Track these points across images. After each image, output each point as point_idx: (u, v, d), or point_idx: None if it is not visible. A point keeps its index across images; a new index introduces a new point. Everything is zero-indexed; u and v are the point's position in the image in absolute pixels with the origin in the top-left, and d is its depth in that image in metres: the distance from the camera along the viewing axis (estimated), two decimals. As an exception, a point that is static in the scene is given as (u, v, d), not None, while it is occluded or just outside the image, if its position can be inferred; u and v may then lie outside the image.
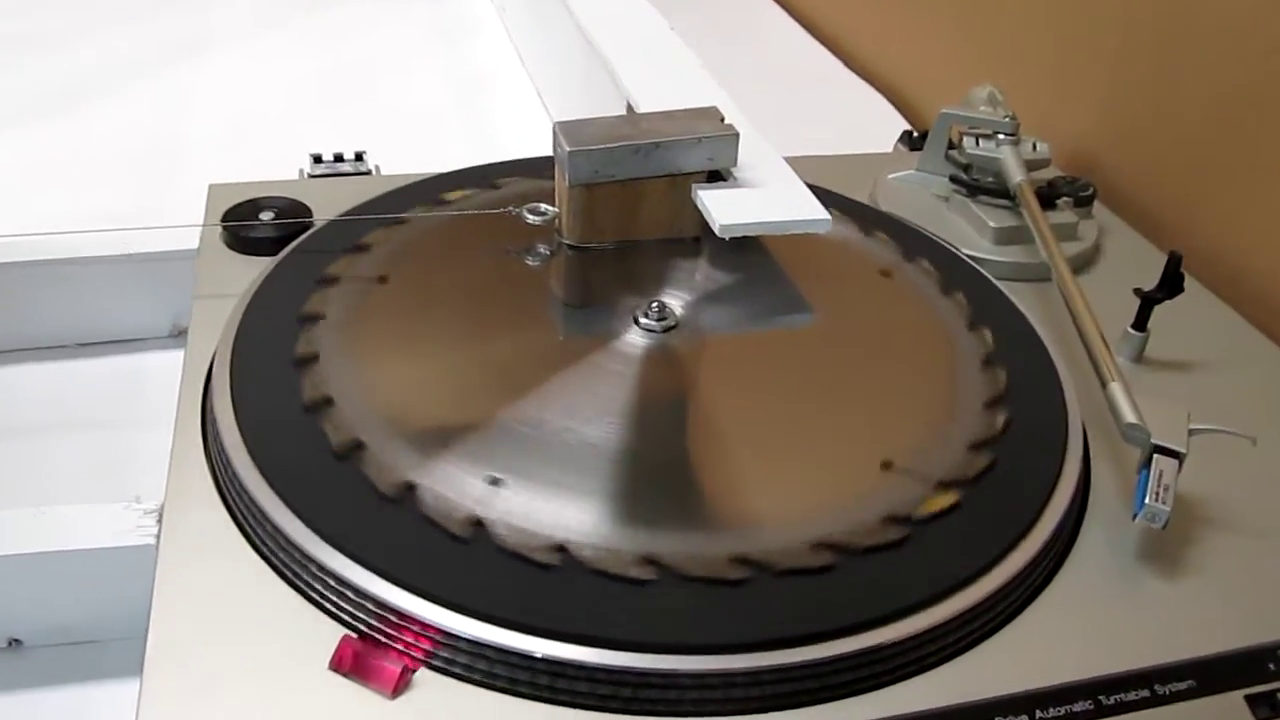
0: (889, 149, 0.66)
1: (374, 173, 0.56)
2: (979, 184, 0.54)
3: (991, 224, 0.52)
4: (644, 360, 0.41)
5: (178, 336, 0.52)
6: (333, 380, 0.39)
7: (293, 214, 0.50)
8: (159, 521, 0.35)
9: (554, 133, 0.45)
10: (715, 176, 0.46)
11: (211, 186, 0.53)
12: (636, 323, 0.42)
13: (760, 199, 0.45)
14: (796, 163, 0.50)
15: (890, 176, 0.57)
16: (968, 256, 0.51)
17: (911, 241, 0.51)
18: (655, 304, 0.42)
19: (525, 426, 0.37)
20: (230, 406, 0.38)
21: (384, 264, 0.45)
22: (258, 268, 0.46)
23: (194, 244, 0.49)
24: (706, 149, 0.45)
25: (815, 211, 0.45)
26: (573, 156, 0.44)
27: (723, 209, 0.44)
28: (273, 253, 0.47)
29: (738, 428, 0.39)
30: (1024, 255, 0.52)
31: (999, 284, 0.48)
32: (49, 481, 0.45)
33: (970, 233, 0.53)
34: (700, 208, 0.45)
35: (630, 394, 0.39)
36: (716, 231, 0.44)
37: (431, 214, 0.48)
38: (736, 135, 0.45)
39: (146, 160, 0.70)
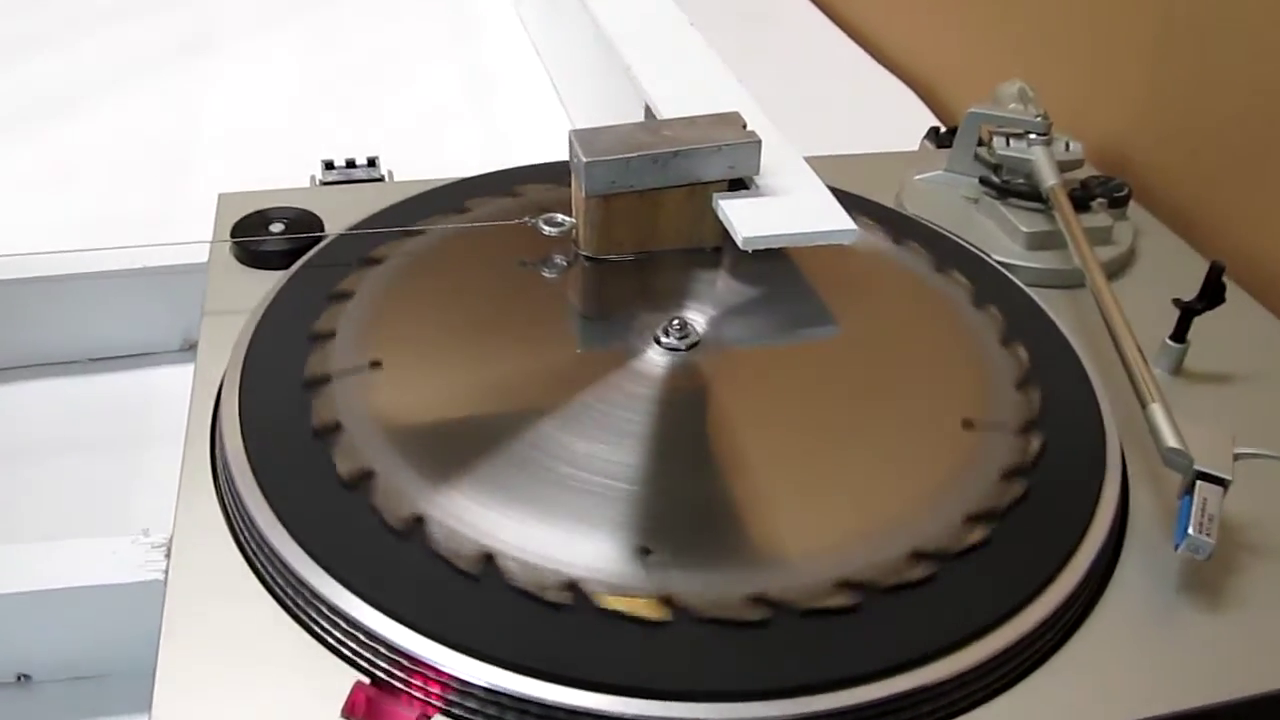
0: (916, 146, 0.64)
1: (387, 179, 0.55)
2: (1009, 186, 0.52)
3: (1023, 229, 0.50)
4: (665, 382, 0.40)
5: (189, 350, 0.51)
6: (342, 404, 0.38)
7: (303, 225, 0.49)
8: (167, 556, 0.34)
9: (570, 142, 0.44)
10: (737, 185, 0.45)
11: (221, 196, 0.52)
12: (657, 341, 0.41)
13: (784, 208, 0.44)
14: (819, 163, 0.48)
15: (917, 178, 0.55)
16: (998, 263, 0.49)
17: (940, 248, 0.49)
18: (676, 321, 0.41)
19: (538, 453, 0.36)
20: (239, 434, 0.37)
21: (396, 277, 0.44)
22: (269, 282, 0.45)
23: (204, 257, 0.48)
24: (727, 157, 0.44)
25: (841, 222, 0.43)
26: (589, 167, 0.42)
27: (745, 220, 0.43)
28: (284, 266, 0.46)
29: (758, 456, 0.37)
30: (1057, 261, 0.50)
31: (1032, 293, 0.46)
32: (60, 503, 0.44)
33: (1000, 237, 0.51)
34: (722, 218, 0.44)
35: (650, 419, 0.38)
36: (739, 244, 0.42)
37: (444, 225, 0.47)
38: (759, 143, 0.44)
39: (154, 165, 0.69)
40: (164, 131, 0.73)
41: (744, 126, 0.45)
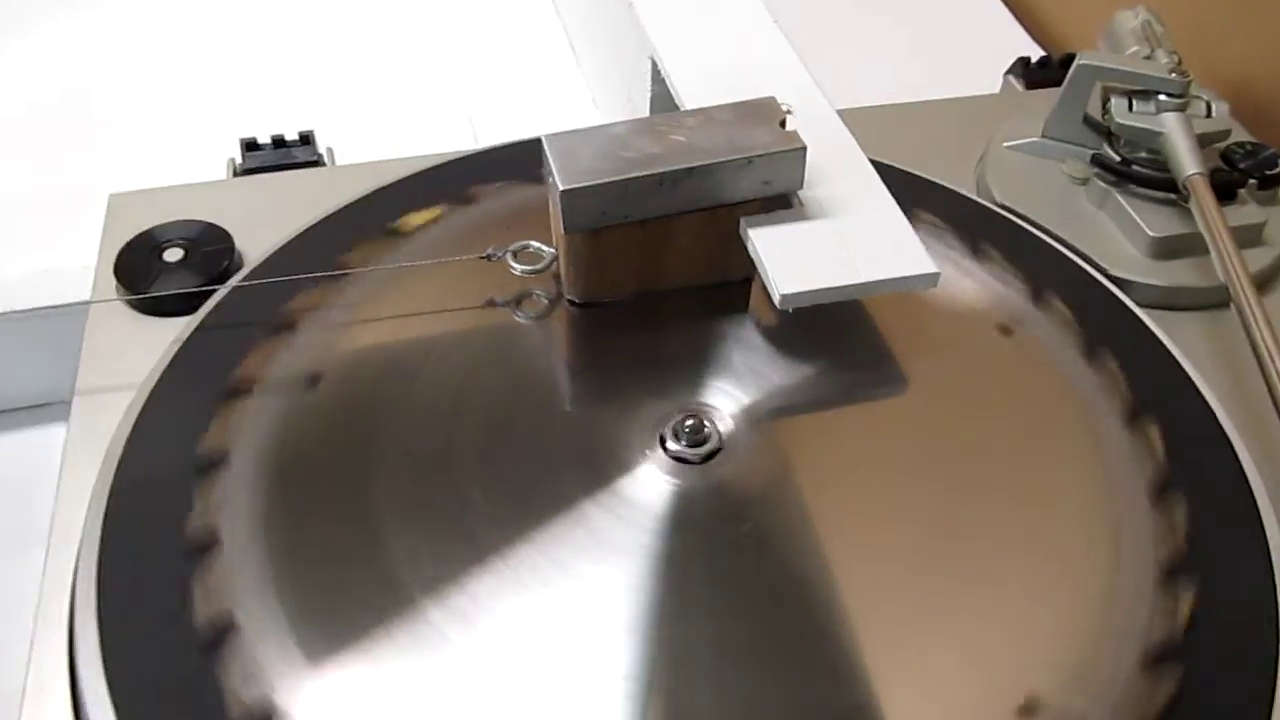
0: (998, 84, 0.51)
1: (325, 160, 0.43)
2: (1131, 169, 0.40)
3: (1150, 231, 0.38)
4: (667, 521, 0.29)
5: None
6: (236, 586, 0.28)
7: (207, 244, 0.38)
8: None
9: (543, 152, 0.32)
10: (775, 200, 0.33)
11: (113, 198, 0.40)
12: (663, 445, 0.30)
13: (838, 242, 0.32)
14: (868, 115, 0.37)
15: (1006, 145, 0.43)
16: (1115, 279, 0.37)
17: (1037, 263, 0.37)
18: (689, 420, 0.30)
19: (466, 632, 0.27)
20: (98, 654, 0.27)
21: (315, 352, 0.33)
22: (165, 334, 0.35)
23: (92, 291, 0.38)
24: (760, 171, 0.32)
25: (916, 263, 0.32)
26: (569, 199, 0.31)
27: (784, 265, 0.31)
28: (181, 311, 0.36)
29: (791, 641, 0.27)
30: (1191, 274, 0.38)
31: (1165, 341, 0.35)
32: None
33: (1117, 238, 0.39)
34: (753, 256, 0.32)
35: (643, 583, 0.28)
36: (775, 303, 0.31)
37: (379, 267, 0.36)
38: (802, 151, 0.32)
39: (35, 145, 0.52)
40: (48, 101, 0.56)
41: (783, 120, 0.33)
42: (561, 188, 0.30)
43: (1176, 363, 0.34)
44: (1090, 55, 0.40)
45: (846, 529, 0.29)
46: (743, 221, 0.33)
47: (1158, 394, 0.33)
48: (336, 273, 0.35)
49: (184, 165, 0.43)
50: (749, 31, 0.41)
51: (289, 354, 0.33)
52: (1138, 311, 0.36)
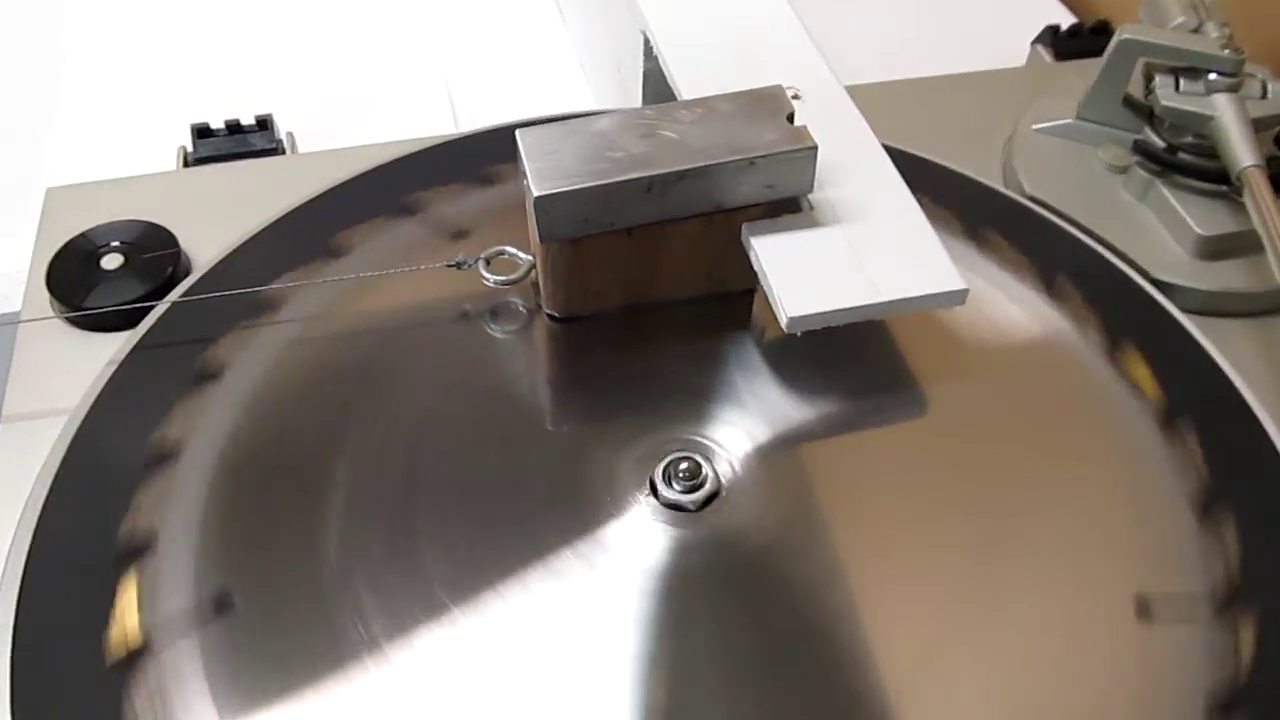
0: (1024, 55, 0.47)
1: (285, 148, 0.40)
2: (1178, 157, 0.36)
3: (1198, 229, 0.34)
4: (660, 574, 0.25)
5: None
6: (159, 630, 0.24)
7: (150, 248, 0.34)
8: None
9: (517, 151, 0.28)
10: (781, 202, 0.30)
11: (49, 193, 0.37)
12: (654, 489, 0.27)
13: (851, 253, 0.28)
14: (879, 92, 0.33)
15: (1035, 128, 0.39)
16: (1157, 282, 0.34)
17: (1071, 265, 0.33)
18: (684, 462, 0.27)
19: (414, 702, 0.23)
20: (7, 683, 0.24)
21: (265, 375, 0.30)
22: (104, 351, 0.31)
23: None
24: (764, 174, 0.28)
25: (941, 278, 0.28)
26: (544, 206, 0.27)
27: (792, 282, 0.27)
28: (120, 325, 0.32)
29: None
30: (1243, 277, 0.34)
31: (1212, 351, 0.31)
32: None
33: (1160, 236, 0.36)
34: (756, 268, 0.29)
35: (628, 658, 0.24)
36: (783, 325, 0.27)
37: (336, 278, 0.32)
38: (812, 150, 0.28)
39: None
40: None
41: (790, 114, 0.29)
42: (536, 193, 0.27)
43: (1224, 375, 0.31)
44: (1132, 29, 0.36)
45: (871, 590, 0.26)
46: (745, 229, 0.29)
47: (1204, 409, 0.29)
48: (288, 285, 0.31)
49: (133, 153, 0.39)
50: (752, 8, 0.37)
51: (236, 380, 0.29)
52: (1181, 319, 0.32)
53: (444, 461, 0.28)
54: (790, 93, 0.33)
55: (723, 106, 0.29)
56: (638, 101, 0.40)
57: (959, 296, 0.28)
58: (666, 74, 0.35)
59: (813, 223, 0.29)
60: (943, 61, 0.47)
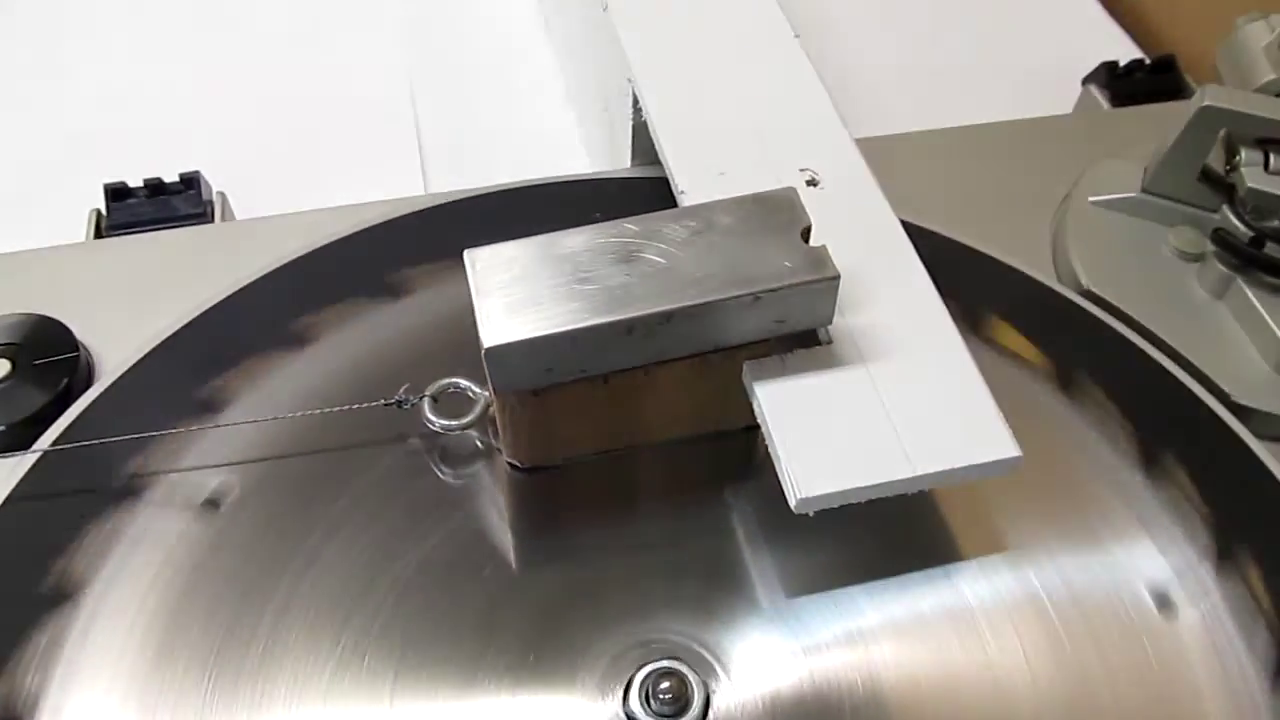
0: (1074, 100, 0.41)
1: (215, 213, 0.34)
2: (1263, 246, 0.30)
3: (1289, 342, 0.29)
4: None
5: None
6: None
7: (42, 350, 0.28)
8: None
9: (469, 287, 0.22)
10: (797, 335, 0.24)
11: (-67, 272, 0.31)
12: (625, 709, 0.22)
13: (878, 407, 0.23)
14: (900, 146, 0.31)
15: (1092, 200, 0.33)
16: (1236, 406, 0.28)
17: (1136, 388, 0.28)
18: (664, 680, 0.21)
19: None
20: None
21: (164, 533, 0.24)
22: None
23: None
24: (773, 309, 0.23)
25: (989, 444, 0.22)
26: (495, 357, 0.22)
27: (804, 449, 0.22)
28: (16, 444, 0.27)
29: None
30: (1341, 400, 0.29)
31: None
32: None
33: (1238, 342, 0.30)
34: (761, 426, 0.23)
35: None
36: (792, 506, 0.22)
37: (241, 422, 0.26)
38: (834, 280, 0.23)
39: None
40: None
41: (806, 230, 0.23)
42: (486, 344, 0.21)
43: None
44: (1216, 93, 0.30)
45: None
46: (747, 370, 0.23)
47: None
48: (197, 427, 0.26)
49: (32, 219, 0.33)
50: (761, 53, 0.31)
51: (129, 548, 0.24)
52: (1263, 455, 0.27)
53: (364, 653, 0.23)
54: (806, 176, 0.28)
55: (722, 219, 0.23)
56: (626, 147, 0.34)
57: (1011, 465, 0.23)
58: (658, 149, 0.29)
59: (832, 361, 0.24)
60: (982, 97, 0.41)
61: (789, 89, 0.30)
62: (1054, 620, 0.23)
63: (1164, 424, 0.27)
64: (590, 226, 0.23)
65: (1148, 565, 0.25)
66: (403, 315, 0.29)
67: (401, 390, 0.25)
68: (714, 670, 0.22)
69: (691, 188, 0.27)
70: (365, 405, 0.25)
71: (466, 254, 0.23)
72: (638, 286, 0.22)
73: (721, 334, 0.23)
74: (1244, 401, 0.29)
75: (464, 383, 0.25)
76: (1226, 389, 0.29)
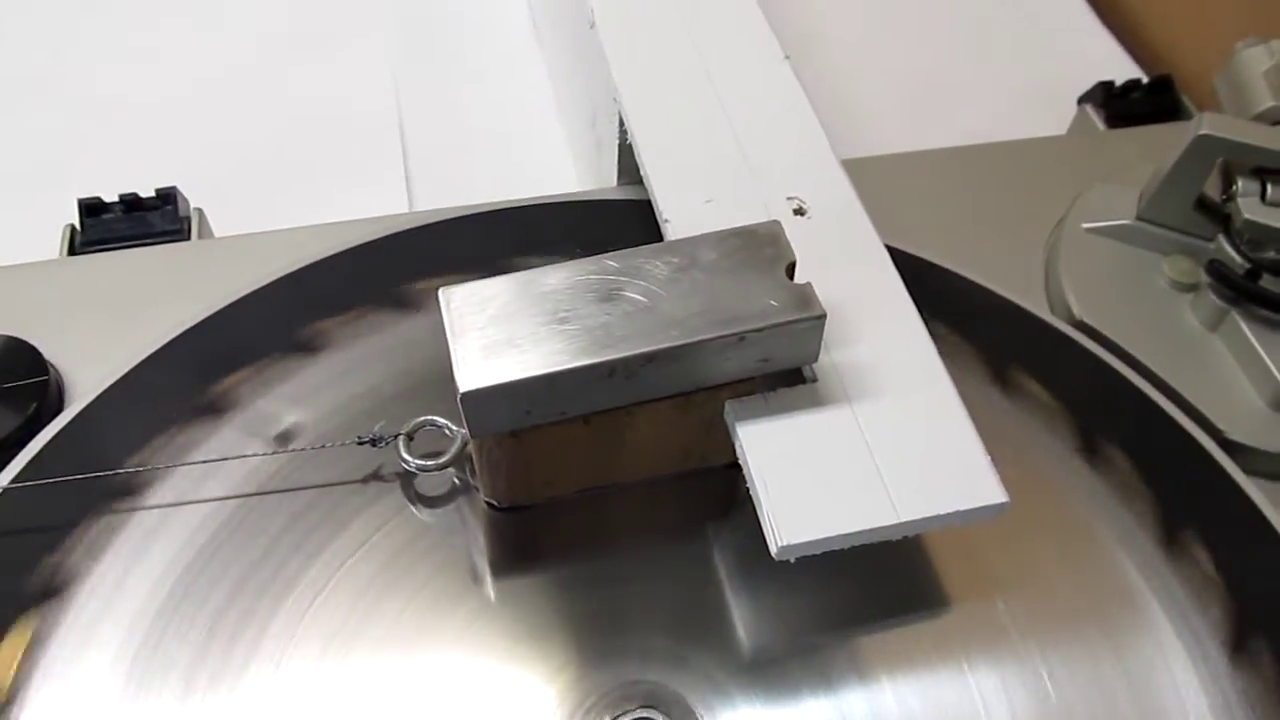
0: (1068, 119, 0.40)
1: (192, 230, 0.33)
2: (1258, 278, 0.29)
3: (1282, 377, 0.29)
4: None
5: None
6: None
7: (11, 373, 0.28)
8: None
9: (443, 323, 0.22)
10: (783, 374, 0.24)
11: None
12: (603, 763, 0.21)
13: (863, 449, 0.22)
14: (887, 166, 0.31)
15: (1085, 227, 0.33)
16: (1229, 443, 0.28)
17: (1126, 423, 0.27)
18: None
19: None
20: None
21: (133, 562, 0.24)
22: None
23: None
24: (758, 348, 0.22)
25: (976, 489, 0.22)
26: (471, 402, 0.21)
27: (786, 494, 0.22)
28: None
29: None
30: (1335, 436, 0.29)
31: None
32: None
33: (1232, 376, 0.29)
34: (743, 468, 0.23)
35: None
36: (773, 553, 0.21)
37: (217, 458, 0.25)
38: (819, 319, 0.22)
39: None
40: None
41: (790, 266, 0.23)
42: (462, 389, 0.21)
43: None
44: (1214, 121, 0.30)
45: None
46: (729, 409, 0.23)
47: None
48: (165, 465, 0.25)
49: (7, 236, 0.33)
50: (751, 75, 0.30)
51: (94, 584, 0.24)
52: (1254, 494, 0.27)
53: (336, 687, 0.22)
54: (794, 205, 0.27)
55: (706, 254, 0.23)
56: (613, 165, 0.33)
57: (997, 510, 0.22)
58: (641, 169, 0.28)
59: (816, 400, 0.23)
60: (975, 115, 0.41)
61: (778, 114, 0.29)
62: (1044, 677, 0.23)
63: (1156, 460, 0.27)
64: (571, 263, 0.22)
65: (1128, 595, 0.24)
66: (386, 341, 0.29)
67: (376, 428, 0.24)
68: (692, 716, 0.22)
69: (676, 216, 0.27)
70: (340, 444, 0.24)
71: (441, 293, 0.22)
72: (619, 327, 0.21)
73: (704, 374, 0.22)
74: (1237, 438, 0.28)
75: (440, 420, 0.25)
76: (1220, 425, 0.28)
